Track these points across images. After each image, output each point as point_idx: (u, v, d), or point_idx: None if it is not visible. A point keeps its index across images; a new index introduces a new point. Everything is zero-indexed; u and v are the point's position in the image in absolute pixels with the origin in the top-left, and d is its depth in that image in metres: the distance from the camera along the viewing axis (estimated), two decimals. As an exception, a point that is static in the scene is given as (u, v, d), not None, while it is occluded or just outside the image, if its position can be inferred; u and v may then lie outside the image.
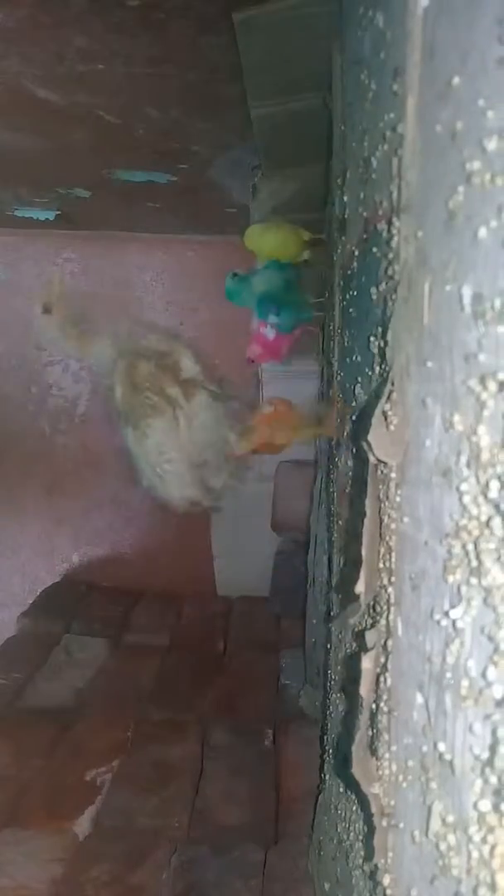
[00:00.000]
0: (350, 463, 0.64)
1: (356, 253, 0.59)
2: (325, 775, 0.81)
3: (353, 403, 0.61)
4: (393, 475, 0.39)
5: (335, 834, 0.69)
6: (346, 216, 0.66)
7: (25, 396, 1.92)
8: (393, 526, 0.39)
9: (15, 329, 1.88)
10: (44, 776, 1.04)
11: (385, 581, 0.41)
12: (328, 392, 0.90)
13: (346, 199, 0.65)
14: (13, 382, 1.91)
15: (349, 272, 0.65)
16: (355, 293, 0.61)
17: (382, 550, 0.41)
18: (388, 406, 0.37)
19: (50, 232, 1.79)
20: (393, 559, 0.40)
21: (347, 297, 0.67)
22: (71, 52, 0.86)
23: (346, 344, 0.69)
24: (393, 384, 0.37)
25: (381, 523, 0.41)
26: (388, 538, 0.41)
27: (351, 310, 0.64)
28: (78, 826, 0.94)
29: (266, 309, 1.30)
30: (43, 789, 1.01)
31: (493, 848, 0.32)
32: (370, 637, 0.42)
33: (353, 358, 0.62)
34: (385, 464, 0.39)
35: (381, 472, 0.40)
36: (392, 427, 0.36)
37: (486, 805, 0.32)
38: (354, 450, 0.58)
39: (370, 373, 0.51)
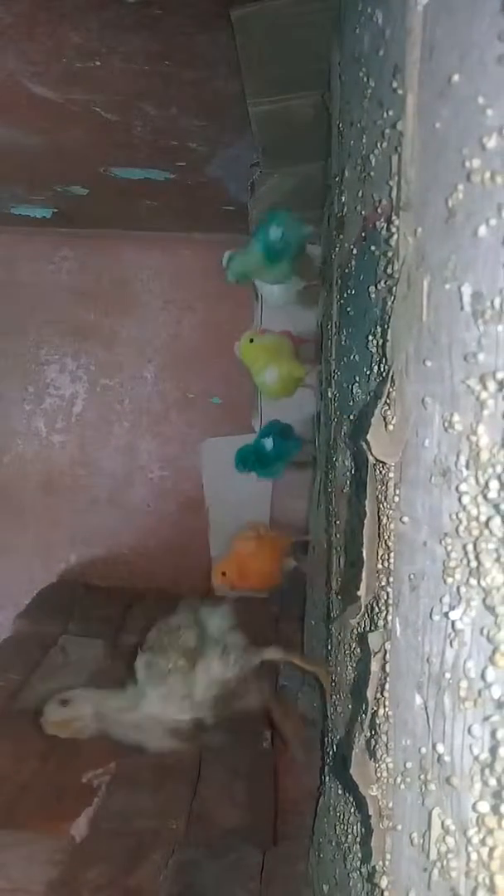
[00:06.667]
0: (348, 463, 0.64)
1: (354, 251, 0.59)
2: (324, 777, 0.81)
3: (351, 403, 0.61)
4: (391, 475, 0.38)
5: (334, 836, 0.68)
6: (344, 214, 0.66)
7: (22, 395, 1.91)
8: (392, 526, 0.39)
9: (11, 328, 1.87)
10: (40, 778, 1.04)
11: (384, 582, 0.41)
12: (328, 392, 0.89)
13: (343, 197, 0.65)
14: (9, 381, 1.91)
15: (347, 271, 0.64)
16: (353, 292, 0.61)
17: (381, 551, 0.41)
18: (387, 406, 0.37)
19: (46, 230, 1.79)
20: (392, 560, 0.40)
21: (345, 295, 0.67)
22: (68, 48, 0.86)
23: (343, 343, 0.69)
24: (392, 383, 0.37)
25: (379, 523, 0.41)
26: (386, 538, 0.40)
27: (349, 309, 0.64)
28: (75, 828, 0.94)
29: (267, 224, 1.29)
30: (39, 791, 1.01)
31: (491, 850, 0.31)
32: (374, 640, 0.42)
33: (351, 357, 0.61)
34: (384, 464, 0.38)
35: (380, 471, 0.40)
36: (391, 427, 0.36)
37: (484, 807, 0.32)
38: (353, 449, 0.58)
39: (368, 372, 0.51)
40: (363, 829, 0.51)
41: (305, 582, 1.35)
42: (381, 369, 0.44)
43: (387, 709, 0.42)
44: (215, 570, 1.52)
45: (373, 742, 0.44)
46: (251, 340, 1.45)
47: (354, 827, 0.58)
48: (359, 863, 0.54)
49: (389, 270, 0.40)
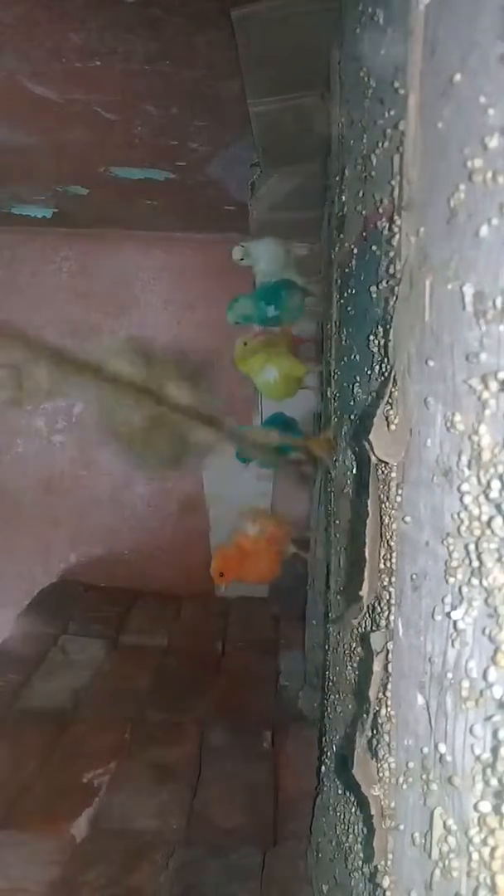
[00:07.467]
0: (349, 463, 0.64)
1: (355, 251, 0.59)
2: (323, 777, 0.81)
3: (352, 403, 0.60)
4: (394, 475, 0.38)
5: (334, 836, 0.68)
6: (344, 214, 0.66)
7: (22, 396, 1.91)
8: (394, 526, 0.39)
9: (11, 328, 1.87)
10: (41, 778, 1.04)
11: (386, 582, 0.41)
12: (328, 392, 0.89)
13: (344, 197, 0.65)
14: (10, 382, 1.90)
15: (347, 270, 0.64)
16: (353, 291, 0.61)
17: (383, 551, 0.41)
18: (390, 406, 0.37)
19: (47, 230, 1.79)
20: (394, 560, 0.40)
21: (345, 295, 0.67)
22: (68, 49, 0.85)
23: (343, 343, 0.69)
24: (394, 383, 0.37)
25: (382, 524, 0.41)
26: (389, 538, 0.40)
27: (349, 308, 0.64)
28: (75, 828, 0.94)
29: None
30: (40, 791, 1.01)
31: (493, 850, 0.31)
32: (377, 639, 0.41)
33: (352, 357, 0.61)
34: (386, 464, 0.38)
35: (382, 472, 0.40)
36: (393, 427, 0.36)
37: (486, 807, 0.32)
38: (356, 449, 0.58)
39: (369, 372, 0.51)
40: (365, 829, 0.51)
41: (306, 582, 1.35)
42: (383, 369, 0.44)
43: (389, 708, 0.42)
44: (214, 565, 1.51)
45: (375, 742, 0.44)
46: (245, 344, 1.47)
47: (356, 827, 0.58)
48: (360, 863, 0.54)
49: (391, 270, 0.40)
